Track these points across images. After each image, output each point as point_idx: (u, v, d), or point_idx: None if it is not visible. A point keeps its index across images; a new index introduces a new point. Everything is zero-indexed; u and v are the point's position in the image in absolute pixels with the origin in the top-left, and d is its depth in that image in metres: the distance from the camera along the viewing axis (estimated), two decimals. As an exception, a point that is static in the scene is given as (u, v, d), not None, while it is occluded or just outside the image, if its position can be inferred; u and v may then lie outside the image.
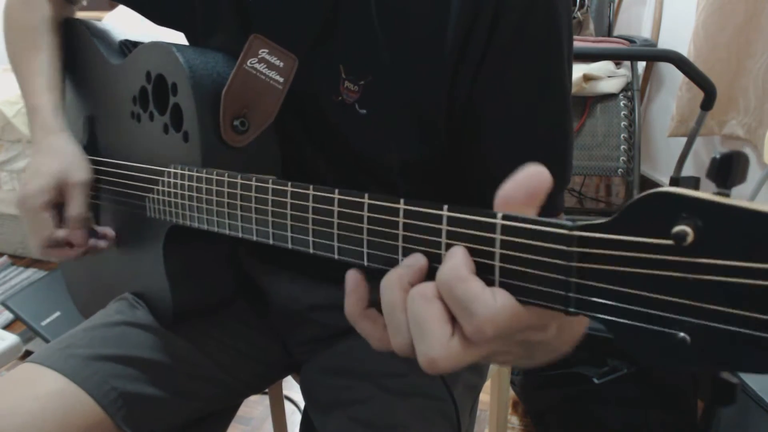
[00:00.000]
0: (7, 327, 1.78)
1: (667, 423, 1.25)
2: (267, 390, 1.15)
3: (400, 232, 0.38)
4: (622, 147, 1.82)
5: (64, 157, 0.70)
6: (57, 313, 1.63)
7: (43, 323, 1.61)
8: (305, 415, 0.74)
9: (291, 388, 1.43)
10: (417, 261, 0.37)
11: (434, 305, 0.34)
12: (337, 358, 0.73)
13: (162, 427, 0.67)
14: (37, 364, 0.63)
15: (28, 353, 1.13)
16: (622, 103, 1.84)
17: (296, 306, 0.75)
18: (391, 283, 0.36)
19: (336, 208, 0.42)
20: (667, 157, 2.30)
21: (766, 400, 1.08)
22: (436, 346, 0.33)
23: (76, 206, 0.69)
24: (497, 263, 0.34)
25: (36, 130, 0.73)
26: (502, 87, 0.57)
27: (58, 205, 0.70)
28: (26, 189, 0.69)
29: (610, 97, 1.86)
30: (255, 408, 1.51)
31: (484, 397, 0.88)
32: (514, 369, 1.42)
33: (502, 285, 0.34)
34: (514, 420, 1.44)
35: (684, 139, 1.91)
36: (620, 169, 1.83)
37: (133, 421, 0.63)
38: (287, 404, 1.29)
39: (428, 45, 0.57)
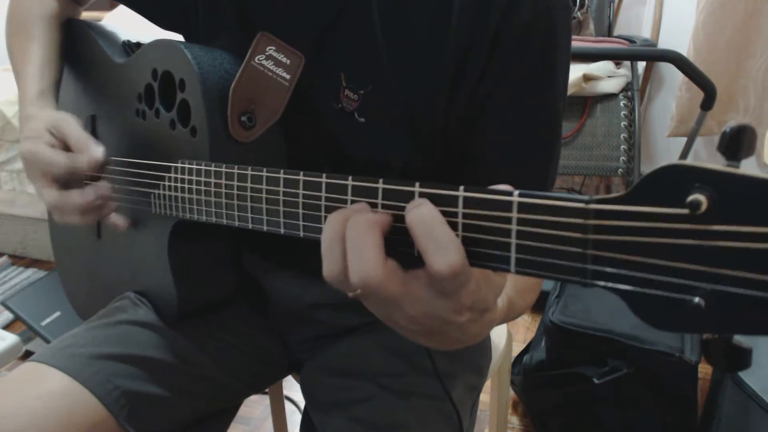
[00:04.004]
0: (7, 327, 1.78)
1: (667, 423, 1.25)
2: (267, 390, 1.15)
3: None
4: (622, 147, 1.82)
5: (43, 115, 0.68)
6: (57, 313, 1.63)
7: (43, 323, 1.61)
8: (305, 415, 0.74)
9: (291, 388, 1.43)
10: (363, 206, 0.40)
11: (375, 231, 0.37)
12: (338, 357, 0.73)
13: (164, 426, 0.67)
14: (39, 363, 0.63)
15: (28, 353, 1.13)
16: (622, 103, 1.84)
17: (297, 304, 0.75)
18: (335, 218, 0.39)
19: (349, 197, 0.42)
20: (667, 157, 2.30)
21: (766, 400, 1.08)
22: (372, 265, 0.36)
23: (75, 130, 0.65)
24: (514, 240, 0.35)
25: (20, 112, 0.73)
26: (498, 105, 0.59)
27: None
28: (23, 149, 0.66)
29: (610, 97, 1.86)
30: (255, 408, 1.51)
31: (484, 397, 0.88)
32: (513, 368, 1.42)
33: (519, 261, 0.35)
34: (514, 420, 1.44)
35: (684, 139, 1.92)
36: (620, 169, 1.83)
37: (135, 419, 0.63)
38: (287, 404, 1.29)
39: (428, 60, 0.58)
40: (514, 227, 0.34)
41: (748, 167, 0.26)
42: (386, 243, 0.38)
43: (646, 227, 0.29)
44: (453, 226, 0.37)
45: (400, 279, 0.38)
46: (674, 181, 0.28)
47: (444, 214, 0.37)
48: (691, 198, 0.27)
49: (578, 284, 0.32)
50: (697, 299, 0.28)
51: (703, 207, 0.27)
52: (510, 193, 0.34)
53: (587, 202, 0.32)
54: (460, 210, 0.37)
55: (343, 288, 0.39)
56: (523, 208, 0.34)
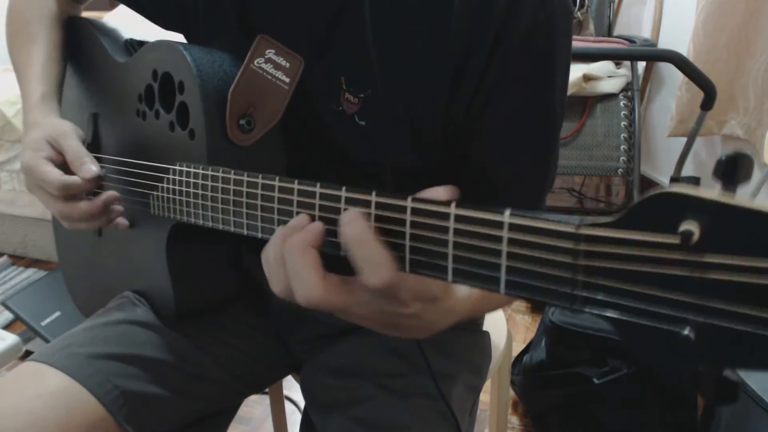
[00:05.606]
0: (7, 327, 1.78)
1: (667, 423, 1.25)
2: (267, 390, 1.15)
3: (407, 230, 0.38)
4: (622, 147, 1.82)
5: (45, 123, 0.69)
6: (57, 313, 1.63)
7: (43, 323, 1.61)
8: (305, 415, 0.74)
9: (291, 388, 1.43)
10: (300, 221, 0.43)
11: (309, 253, 0.40)
12: (338, 357, 0.73)
13: (163, 426, 0.68)
14: (39, 363, 0.63)
15: (28, 353, 1.13)
16: (622, 103, 1.85)
17: (297, 305, 0.74)
18: (274, 241, 0.42)
19: (342, 206, 0.42)
20: (667, 157, 2.30)
21: (766, 400, 1.08)
22: (312, 286, 0.39)
23: (72, 146, 0.66)
24: (504, 261, 0.34)
25: (24, 115, 0.73)
26: (497, 108, 0.59)
27: (62, 166, 0.67)
28: (24, 160, 0.67)
29: (610, 97, 1.86)
30: (255, 408, 1.51)
31: (484, 397, 0.88)
32: (513, 368, 1.42)
33: (508, 283, 0.34)
34: (514, 420, 1.44)
35: (684, 139, 1.91)
36: (620, 169, 1.83)
37: (134, 419, 0.63)
38: (287, 404, 1.29)
39: (427, 64, 0.58)
40: (504, 248, 0.34)
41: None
42: (334, 247, 0.40)
43: (637, 255, 0.29)
44: (443, 243, 0.37)
45: (342, 290, 0.40)
46: (667, 208, 0.28)
47: (433, 229, 0.37)
48: (683, 227, 0.27)
49: (567, 309, 0.32)
50: (686, 332, 0.27)
51: (695, 237, 0.26)
52: (501, 212, 0.34)
53: (577, 226, 0.31)
54: (451, 226, 0.36)
55: (294, 302, 0.41)
56: (514, 228, 0.33)
